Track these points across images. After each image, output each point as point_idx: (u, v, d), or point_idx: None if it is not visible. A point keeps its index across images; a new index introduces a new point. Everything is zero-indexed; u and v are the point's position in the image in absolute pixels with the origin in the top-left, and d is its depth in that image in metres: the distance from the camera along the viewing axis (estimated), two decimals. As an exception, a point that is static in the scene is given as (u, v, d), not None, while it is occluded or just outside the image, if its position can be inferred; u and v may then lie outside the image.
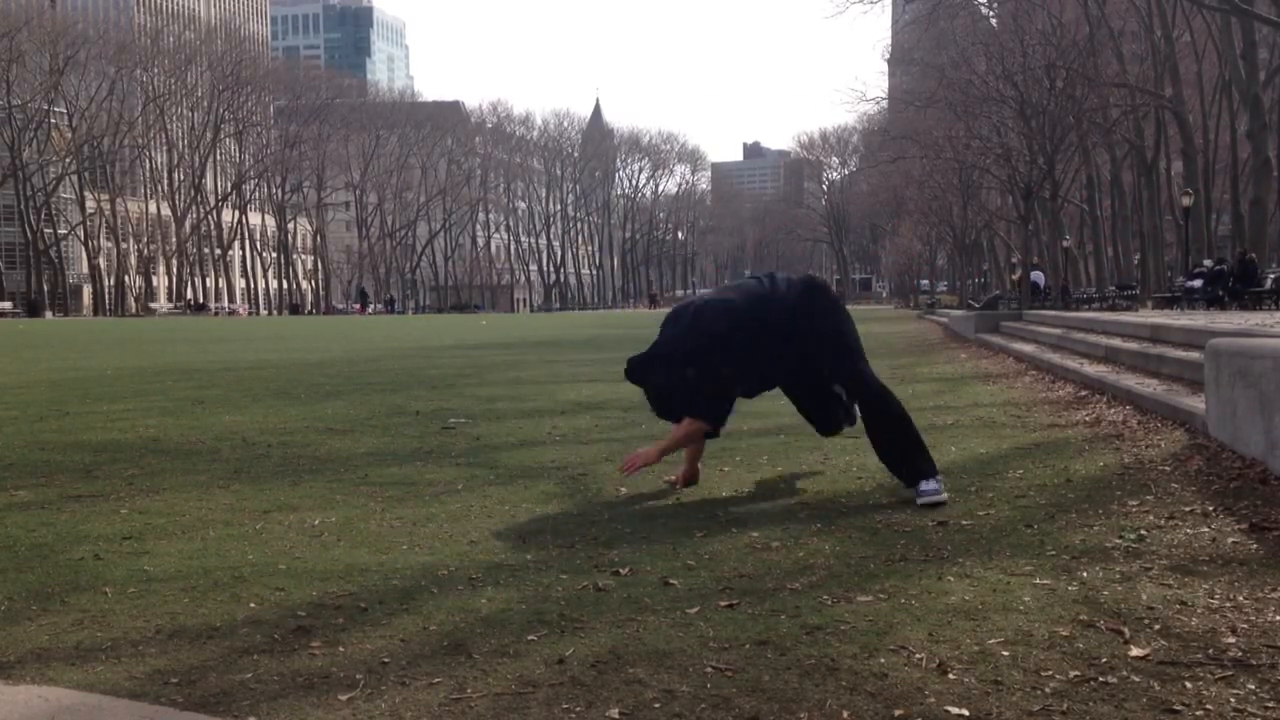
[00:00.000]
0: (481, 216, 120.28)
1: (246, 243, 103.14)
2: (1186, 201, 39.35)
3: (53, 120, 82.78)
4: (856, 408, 5.34)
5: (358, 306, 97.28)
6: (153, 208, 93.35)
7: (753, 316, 5.00)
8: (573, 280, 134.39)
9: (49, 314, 75.25)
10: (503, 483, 5.46)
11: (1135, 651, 2.73)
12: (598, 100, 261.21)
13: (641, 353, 5.16)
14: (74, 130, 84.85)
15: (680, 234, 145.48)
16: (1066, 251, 47.16)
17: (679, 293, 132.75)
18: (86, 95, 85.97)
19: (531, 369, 13.75)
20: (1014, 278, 37.46)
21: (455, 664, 2.76)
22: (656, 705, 2.46)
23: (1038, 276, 38.79)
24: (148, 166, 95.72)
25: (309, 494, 5.22)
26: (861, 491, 5.04)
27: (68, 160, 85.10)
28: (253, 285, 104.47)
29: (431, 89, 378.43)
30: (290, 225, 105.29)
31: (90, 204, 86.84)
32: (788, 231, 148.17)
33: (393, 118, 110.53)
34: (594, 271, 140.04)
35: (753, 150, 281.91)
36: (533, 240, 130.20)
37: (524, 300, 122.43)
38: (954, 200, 53.17)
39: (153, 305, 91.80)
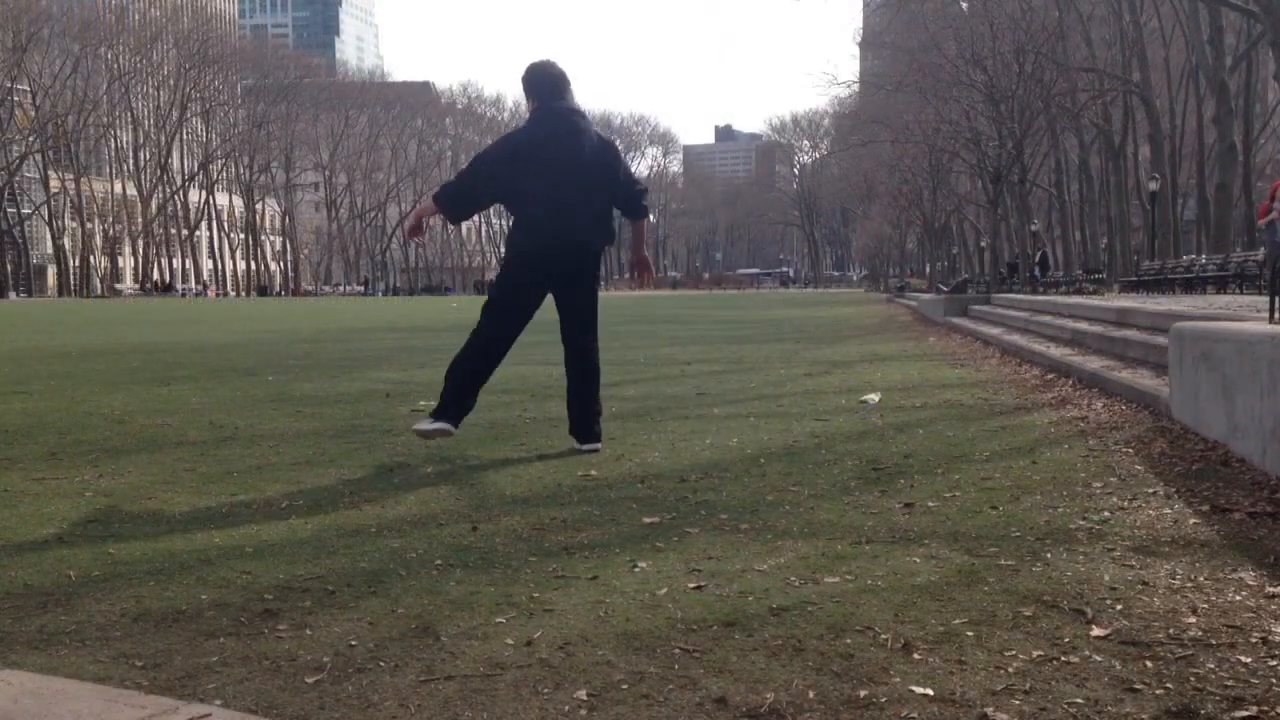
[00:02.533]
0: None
1: (214, 223, 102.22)
2: (1153, 186, 39.70)
3: (15, 98, 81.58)
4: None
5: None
6: (118, 188, 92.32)
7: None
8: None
9: (12, 295, 74.34)
10: (472, 465, 5.46)
11: (1097, 631, 2.77)
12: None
13: None
14: (37, 109, 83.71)
15: (652, 217, 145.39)
16: (1035, 235, 47.45)
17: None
18: (50, 73, 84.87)
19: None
20: (1016, 258, 37.94)
21: (423, 646, 2.76)
22: (624, 686, 2.47)
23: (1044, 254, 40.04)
24: (113, 146, 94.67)
25: (276, 476, 5.19)
26: (829, 472, 5.07)
27: (31, 139, 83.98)
28: (220, 266, 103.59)
29: (401, 69, 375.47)
30: (258, 206, 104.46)
31: (54, 183, 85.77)
32: (759, 215, 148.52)
33: (362, 98, 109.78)
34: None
35: (724, 133, 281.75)
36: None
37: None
38: (924, 184, 53.35)
39: (118, 286, 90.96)
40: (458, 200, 5.79)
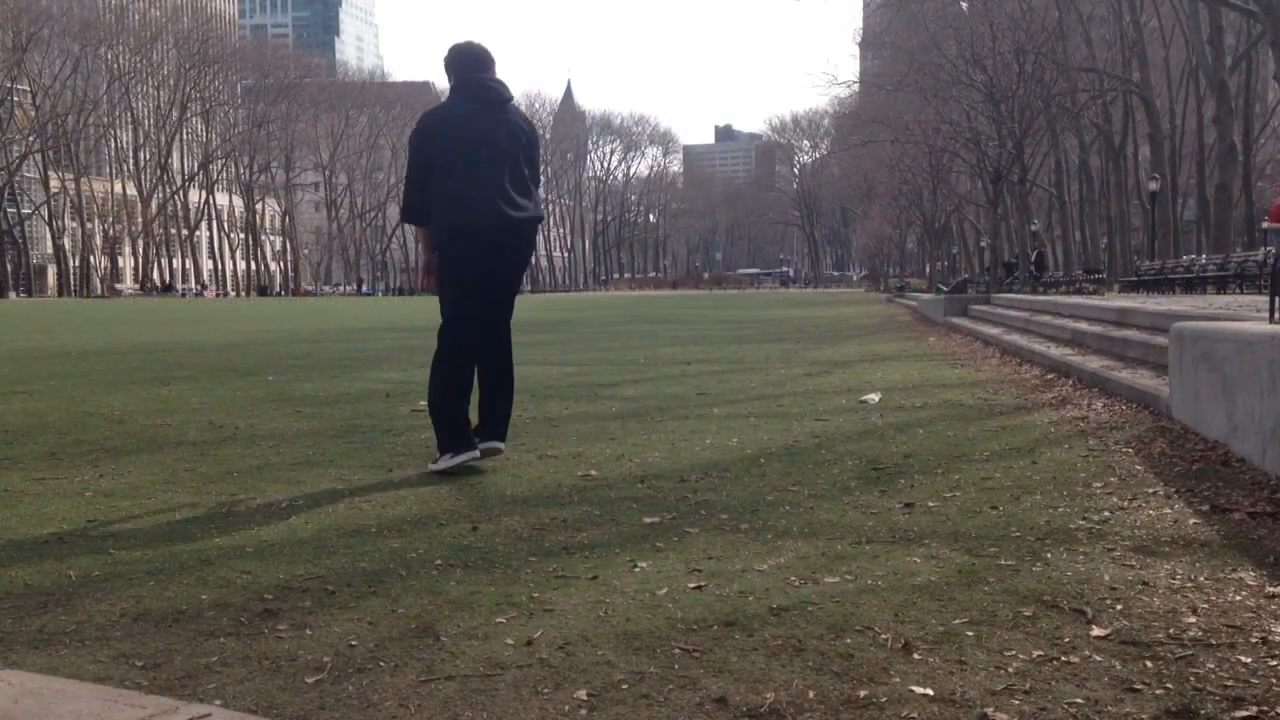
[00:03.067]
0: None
1: (214, 223, 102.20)
2: (1153, 186, 39.68)
3: (15, 98, 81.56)
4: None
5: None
6: (118, 188, 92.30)
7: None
8: (544, 263, 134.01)
9: (12, 295, 74.35)
10: (471, 465, 5.45)
11: (1097, 631, 2.77)
12: (569, 82, 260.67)
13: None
14: (37, 109, 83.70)
15: (652, 217, 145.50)
16: (1034, 235, 47.45)
17: (651, 274, 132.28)
18: (50, 73, 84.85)
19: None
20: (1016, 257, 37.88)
21: (423, 646, 2.76)
22: (624, 686, 2.47)
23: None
24: (113, 146, 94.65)
25: (277, 477, 5.19)
26: (829, 472, 5.07)
27: (31, 139, 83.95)
28: (220, 266, 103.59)
29: (401, 69, 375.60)
30: (258, 206, 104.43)
31: (54, 184, 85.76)
32: (759, 214, 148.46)
33: (362, 98, 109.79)
34: (565, 254, 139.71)
35: (724, 133, 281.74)
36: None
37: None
38: (924, 184, 53.35)
39: (118, 286, 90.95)
40: (409, 203, 5.34)
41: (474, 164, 5.24)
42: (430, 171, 5.24)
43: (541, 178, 5.84)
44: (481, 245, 5.26)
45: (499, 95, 5.41)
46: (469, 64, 5.43)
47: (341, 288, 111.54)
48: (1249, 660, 2.55)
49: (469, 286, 5.30)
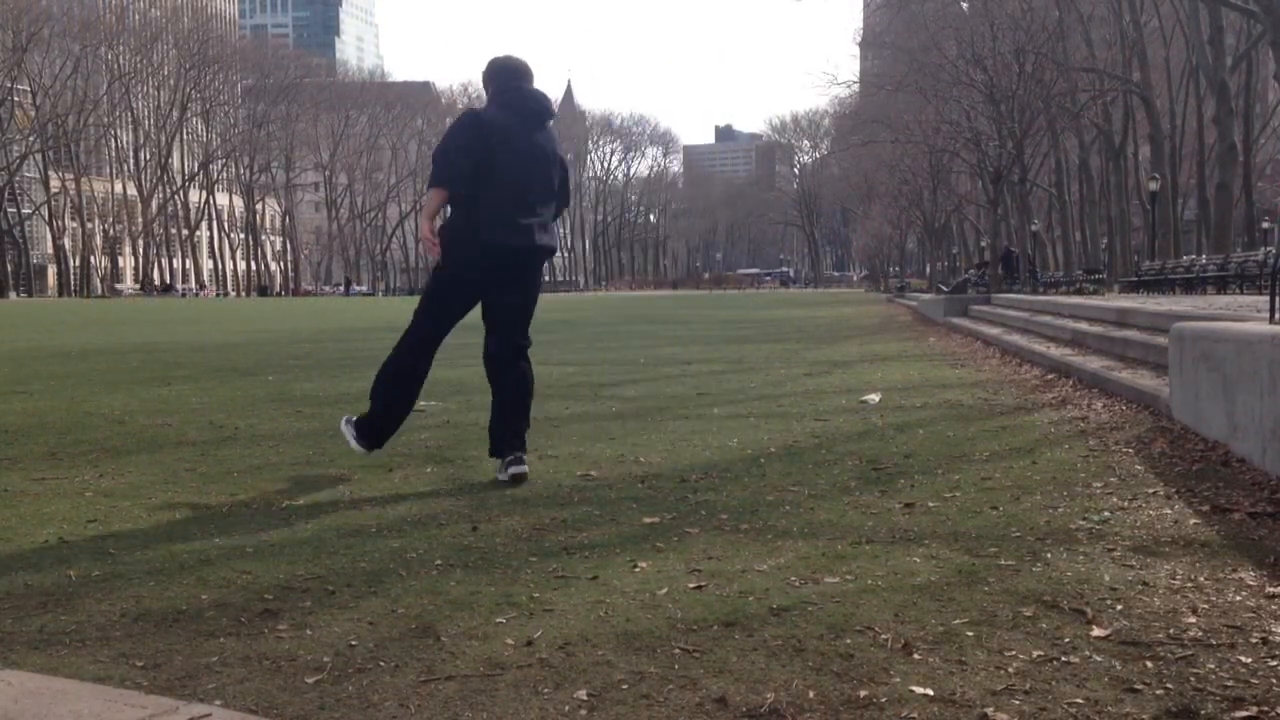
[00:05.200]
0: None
1: (214, 223, 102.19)
2: (1153, 186, 39.68)
3: (16, 98, 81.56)
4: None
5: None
6: (118, 188, 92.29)
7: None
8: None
9: (13, 295, 74.36)
10: (471, 465, 5.45)
11: (1097, 631, 2.77)
12: (569, 82, 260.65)
13: None
14: (37, 108, 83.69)
15: (652, 217, 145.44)
16: (1035, 235, 47.44)
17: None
18: (50, 73, 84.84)
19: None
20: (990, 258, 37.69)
21: (423, 646, 2.76)
22: (625, 686, 2.47)
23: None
24: (113, 146, 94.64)
25: (276, 477, 5.19)
26: (829, 472, 5.07)
27: (31, 139, 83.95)
28: (220, 266, 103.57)
29: (401, 69, 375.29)
30: (258, 206, 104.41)
31: (55, 183, 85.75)
32: (759, 214, 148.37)
33: (362, 98, 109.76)
34: (565, 254, 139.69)
35: (724, 133, 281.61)
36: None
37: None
38: (924, 184, 53.32)
39: (118, 286, 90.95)
40: (455, 171, 4.94)
41: (508, 181, 4.96)
42: (476, 160, 4.89)
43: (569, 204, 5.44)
44: (492, 265, 5.02)
45: (540, 107, 5.16)
46: (509, 74, 5.19)
47: (341, 288, 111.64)
48: (1249, 660, 2.55)
49: (453, 301, 5.13)
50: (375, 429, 5.20)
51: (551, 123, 5.32)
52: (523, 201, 5.02)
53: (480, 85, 5.66)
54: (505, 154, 4.96)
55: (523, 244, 5.03)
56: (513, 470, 4.94)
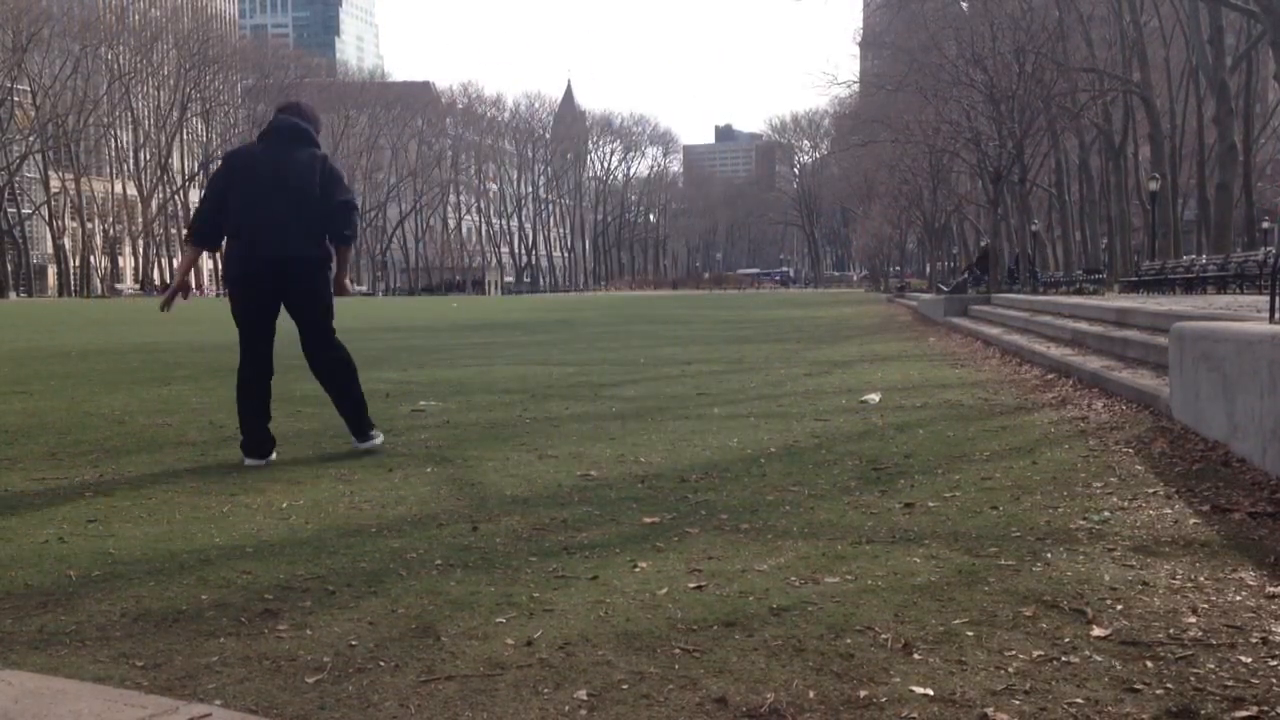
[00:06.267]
0: (452, 198, 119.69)
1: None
2: (1153, 186, 39.67)
3: (16, 98, 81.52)
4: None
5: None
6: (118, 187, 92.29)
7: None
8: (544, 263, 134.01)
9: (13, 295, 74.36)
10: (471, 465, 5.46)
11: (1097, 631, 2.77)
12: (569, 82, 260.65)
13: None
14: (38, 108, 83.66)
15: (652, 217, 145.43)
16: (1035, 235, 47.43)
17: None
18: (50, 73, 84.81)
19: (501, 351, 13.73)
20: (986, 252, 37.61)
21: (423, 646, 2.76)
22: (625, 686, 2.47)
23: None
24: (113, 146, 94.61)
25: (276, 476, 5.19)
26: (829, 472, 5.07)
27: (31, 139, 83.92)
28: (220, 267, 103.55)
29: (401, 69, 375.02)
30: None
31: (55, 183, 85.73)
32: (759, 214, 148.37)
33: (362, 98, 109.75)
34: (565, 254, 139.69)
35: (724, 133, 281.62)
36: (504, 223, 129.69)
37: (495, 283, 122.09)
38: (924, 184, 53.31)
39: (119, 286, 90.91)
40: (209, 230, 5.72)
41: (262, 199, 5.55)
42: (225, 201, 5.58)
43: (351, 204, 5.92)
44: (254, 277, 5.64)
45: (285, 125, 5.76)
46: (278, 109, 5.94)
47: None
48: (1249, 660, 2.55)
49: (245, 316, 5.75)
50: (250, 440, 5.62)
51: (308, 137, 5.84)
52: (271, 218, 5.56)
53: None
54: (248, 182, 5.59)
55: (274, 255, 5.59)
56: (361, 447, 5.83)
